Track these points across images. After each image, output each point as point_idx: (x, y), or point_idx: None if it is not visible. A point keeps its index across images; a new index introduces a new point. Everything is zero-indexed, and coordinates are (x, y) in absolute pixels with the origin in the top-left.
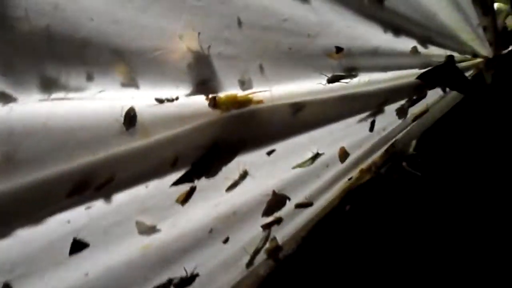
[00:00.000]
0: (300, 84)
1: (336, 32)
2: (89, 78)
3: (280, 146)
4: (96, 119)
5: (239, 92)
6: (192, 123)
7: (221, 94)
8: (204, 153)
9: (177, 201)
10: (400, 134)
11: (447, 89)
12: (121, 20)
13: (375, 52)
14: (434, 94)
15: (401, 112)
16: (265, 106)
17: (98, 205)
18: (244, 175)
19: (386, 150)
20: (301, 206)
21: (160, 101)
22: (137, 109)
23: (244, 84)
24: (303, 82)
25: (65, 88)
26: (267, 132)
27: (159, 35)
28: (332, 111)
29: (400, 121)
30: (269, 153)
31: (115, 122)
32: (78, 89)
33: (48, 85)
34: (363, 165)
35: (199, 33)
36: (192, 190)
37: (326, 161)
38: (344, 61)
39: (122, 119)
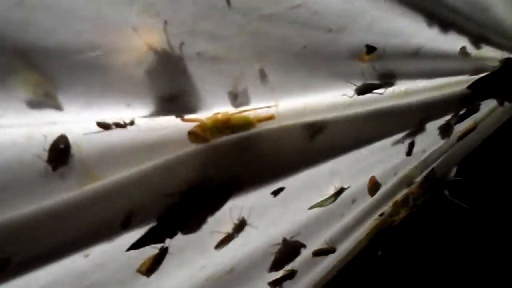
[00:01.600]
0: (318, 96)
1: (367, 26)
2: None
3: (290, 182)
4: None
5: (230, 110)
6: (156, 159)
7: (202, 115)
8: (177, 201)
9: (139, 271)
10: (442, 157)
11: (505, 102)
12: (29, 3)
13: (416, 53)
14: (483, 107)
15: (445, 130)
16: (269, 129)
17: None
18: (241, 226)
19: (425, 177)
20: (320, 253)
21: (105, 126)
22: (71, 139)
23: (237, 97)
24: (323, 94)
25: None
26: (272, 164)
27: (98, 26)
28: (361, 132)
29: (443, 141)
30: (275, 193)
31: (33, 160)
32: None
33: None
34: (397, 197)
35: (165, 23)
36: (163, 254)
37: (352, 195)
38: (378, 64)
39: (47, 154)
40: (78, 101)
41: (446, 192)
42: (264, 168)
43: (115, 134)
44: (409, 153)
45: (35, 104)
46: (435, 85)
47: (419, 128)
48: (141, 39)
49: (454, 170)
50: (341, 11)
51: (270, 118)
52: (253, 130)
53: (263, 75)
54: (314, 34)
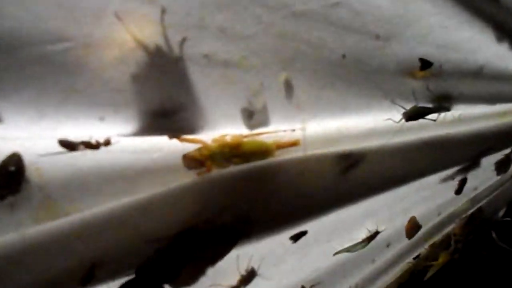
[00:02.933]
0: (356, 119)
1: (423, 35)
2: None
3: (314, 225)
4: None
5: (242, 131)
6: (140, 191)
7: (205, 136)
8: (164, 246)
9: None
10: (492, 196)
11: None
12: None
13: (479, 73)
14: None
15: (503, 166)
16: (291, 158)
17: None
18: (249, 277)
19: (471, 216)
20: None
21: (70, 146)
22: (26, 161)
23: (252, 116)
24: (362, 117)
25: None
26: (293, 204)
27: (67, 10)
28: (406, 167)
29: (498, 177)
30: (295, 238)
31: None
32: None
33: None
34: (436, 238)
35: (163, 11)
36: None
37: (388, 238)
38: (433, 83)
39: None
40: (27, 111)
41: (494, 235)
42: (282, 207)
43: (86, 157)
44: (459, 191)
45: None
46: (497, 111)
47: (473, 163)
48: (127, 31)
49: (503, 209)
50: (392, 14)
51: (294, 144)
52: (270, 160)
53: (289, 88)
54: (356, 40)
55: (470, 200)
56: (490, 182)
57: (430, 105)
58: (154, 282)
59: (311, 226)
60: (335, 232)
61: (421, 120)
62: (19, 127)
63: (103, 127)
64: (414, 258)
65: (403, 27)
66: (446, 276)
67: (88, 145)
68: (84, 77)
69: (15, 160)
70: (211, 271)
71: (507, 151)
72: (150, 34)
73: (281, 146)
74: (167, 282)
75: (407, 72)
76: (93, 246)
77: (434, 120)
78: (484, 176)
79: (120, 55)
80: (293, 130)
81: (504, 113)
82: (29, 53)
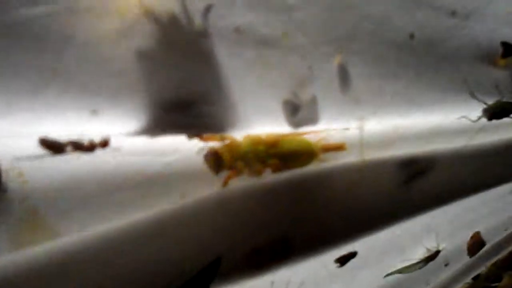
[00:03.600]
0: (424, 116)
1: (508, 13)
2: None
3: (365, 244)
4: None
5: (283, 130)
6: (152, 205)
7: (235, 135)
8: (183, 281)
9: None
10: None
11: None
12: None
13: None
14: None
15: None
16: (343, 165)
17: None
18: None
19: None
20: None
21: (54, 146)
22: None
23: (298, 110)
24: (432, 113)
25: None
26: (340, 221)
27: None
28: (480, 175)
29: None
30: (342, 261)
31: None
32: None
33: None
34: (499, 256)
35: None
36: None
37: (446, 257)
38: None
39: None
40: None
41: None
42: (328, 224)
43: (81, 161)
44: None
45: None
46: None
47: None
48: None
49: None
50: None
51: (339, 148)
52: (315, 167)
53: (344, 75)
54: (428, 17)
55: None
56: None
57: None
58: None
59: (360, 246)
60: (388, 252)
61: (506, 119)
62: None
63: (97, 123)
64: (473, 279)
65: (485, 2)
66: None
67: (78, 146)
68: (71, 55)
69: None
70: None
71: None
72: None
73: (327, 149)
74: None
75: (488, 58)
76: (95, 274)
77: None
78: None
79: (122, 26)
80: (347, 129)
81: None
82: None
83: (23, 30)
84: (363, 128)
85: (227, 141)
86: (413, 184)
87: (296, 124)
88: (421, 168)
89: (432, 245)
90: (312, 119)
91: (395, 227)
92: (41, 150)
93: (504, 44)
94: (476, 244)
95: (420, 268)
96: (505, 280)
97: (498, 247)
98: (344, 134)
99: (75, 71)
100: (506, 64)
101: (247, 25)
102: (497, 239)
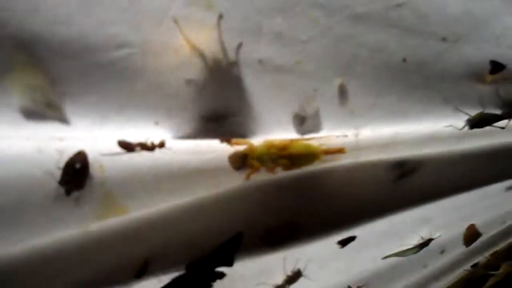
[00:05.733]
0: (414, 125)
1: (496, 36)
2: None
3: (364, 230)
4: (4, 170)
5: (292, 136)
6: (194, 192)
7: (255, 140)
8: (212, 249)
9: None
10: None
11: None
12: None
13: None
14: None
15: None
16: (342, 165)
17: None
18: (294, 277)
19: None
20: None
21: (128, 146)
22: (90, 158)
23: (304, 121)
24: (421, 123)
25: None
26: (341, 210)
27: (127, 16)
28: (467, 175)
29: None
30: (343, 243)
31: (43, 179)
32: None
33: None
34: (499, 247)
35: (220, 17)
36: None
37: (442, 245)
38: (504, 88)
39: (60, 173)
40: (90, 115)
41: None
42: (330, 213)
43: (143, 158)
44: None
45: (31, 114)
46: None
47: None
48: (184, 36)
49: None
50: (461, 15)
51: (340, 151)
52: (320, 166)
53: (343, 94)
54: (419, 43)
55: None
56: None
57: (498, 112)
58: (203, 279)
59: (360, 231)
60: (386, 238)
61: (487, 128)
62: (84, 129)
63: (158, 130)
64: (472, 266)
65: (473, 28)
66: None
67: (144, 147)
68: (142, 83)
69: (81, 157)
70: (257, 270)
71: None
72: (206, 40)
73: (328, 152)
74: (216, 279)
75: (474, 76)
76: (148, 243)
77: (503, 128)
78: None
79: (176, 60)
80: (346, 136)
81: None
82: (94, 59)
83: (113, 65)
84: (358, 135)
85: (248, 145)
86: (401, 182)
87: (303, 132)
88: (408, 169)
89: (426, 234)
90: (316, 128)
91: (394, 217)
92: (117, 149)
93: (493, 62)
94: (472, 235)
95: (414, 253)
96: (502, 269)
97: (497, 238)
98: (343, 140)
99: (144, 94)
100: (492, 80)
101: (267, 57)
102: (494, 231)
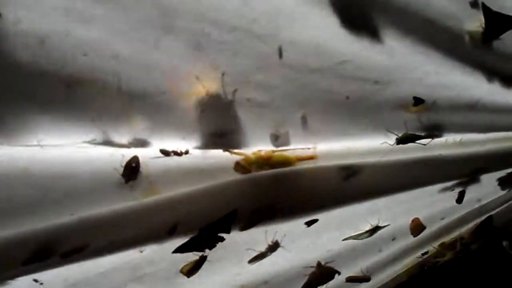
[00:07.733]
0: (356, 142)
1: (418, 79)
2: None
3: (324, 216)
4: (90, 166)
5: (271, 149)
6: (204, 183)
7: (246, 150)
8: (216, 220)
9: (181, 271)
10: (503, 206)
11: None
12: (122, 55)
13: (473, 106)
14: None
15: (507, 182)
16: (306, 167)
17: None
18: (274, 247)
19: (480, 224)
20: (354, 280)
21: (166, 153)
22: (141, 160)
23: (277, 139)
24: (361, 140)
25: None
26: (306, 199)
27: (169, 75)
28: (400, 179)
29: (503, 192)
30: (308, 224)
31: (112, 173)
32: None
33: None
34: (445, 239)
35: (223, 74)
36: (202, 260)
37: (392, 233)
38: (425, 116)
39: (122, 169)
40: (145, 133)
41: (505, 244)
42: (298, 201)
43: (174, 160)
44: (459, 201)
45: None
46: (492, 138)
47: (471, 179)
48: (201, 86)
49: None
50: (390, 66)
51: (312, 158)
52: (291, 168)
53: (304, 121)
54: (358, 86)
55: (476, 210)
56: (495, 196)
57: (420, 133)
58: (210, 241)
59: (322, 216)
60: (343, 224)
61: (413, 144)
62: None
63: (184, 143)
64: (422, 254)
65: (400, 75)
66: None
67: (176, 153)
68: (174, 114)
69: (135, 159)
70: (247, 239)
71: (509, 170)
72: (215, 87)
73: (301, 159)
74: (215, 244)
75: (402, 107)
76: (175, 213)
77: (424, 145)
78: (487, 190)
79: (196, 100)
80: (309, 148)
81: (501, 139)
82: (149, 100)
83: (158, 104)
84: (316, 148)
85: (243, 156)
86: (350, 181)
87: (277, 145)
88: (353, 171)
89: (375, 223)
90: (286, 143)
91: (345, 208)
92: (159, 154)
93: (415, 98)
94: (417, 227)
95: (366, 237)
96: (447, 257)
97: (441, 231)
98: (306, 151)
99: (175, 121)
100: (415, 111)
101: (253, 97)
102: (437, 225)
